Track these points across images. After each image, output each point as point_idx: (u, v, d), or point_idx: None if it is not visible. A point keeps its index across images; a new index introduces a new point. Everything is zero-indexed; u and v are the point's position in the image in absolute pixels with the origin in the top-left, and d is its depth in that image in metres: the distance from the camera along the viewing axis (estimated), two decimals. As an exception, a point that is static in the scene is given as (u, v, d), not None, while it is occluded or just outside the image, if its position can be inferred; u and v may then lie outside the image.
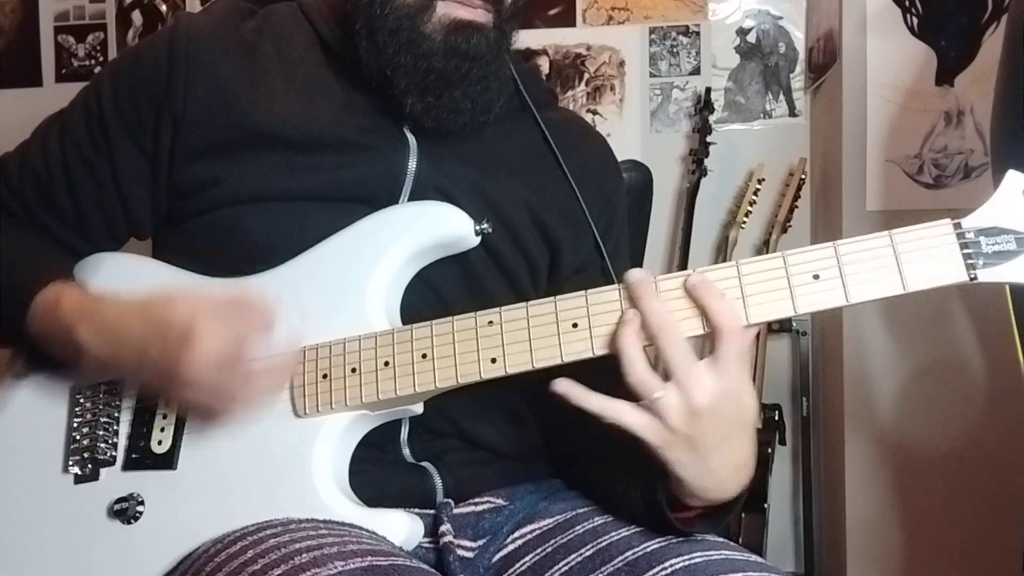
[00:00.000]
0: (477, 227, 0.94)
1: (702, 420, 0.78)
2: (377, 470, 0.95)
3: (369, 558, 0.75)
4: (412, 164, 1.00)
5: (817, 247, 0.79)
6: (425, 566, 0.80)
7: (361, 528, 0.85)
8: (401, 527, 0.87)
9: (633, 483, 0.90)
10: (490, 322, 0.85)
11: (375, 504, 0.89)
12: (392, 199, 0.99)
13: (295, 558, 0.73)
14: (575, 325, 0.82)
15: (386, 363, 0.87)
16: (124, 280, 1.00)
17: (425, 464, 0.98)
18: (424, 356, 0.86)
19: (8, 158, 1.07)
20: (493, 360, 0.84)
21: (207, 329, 0.83)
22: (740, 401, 0.79)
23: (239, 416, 0.88)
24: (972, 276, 0.76)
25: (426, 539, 0.93)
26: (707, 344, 0.79)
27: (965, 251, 0.76)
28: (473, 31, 0.97)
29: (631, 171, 1.43)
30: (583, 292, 0.83)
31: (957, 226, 0.77)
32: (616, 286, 0.82)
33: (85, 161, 1.02)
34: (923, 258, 0.77)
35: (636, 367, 0.78)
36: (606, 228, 1.11)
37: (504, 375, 0.84)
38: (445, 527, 0.93)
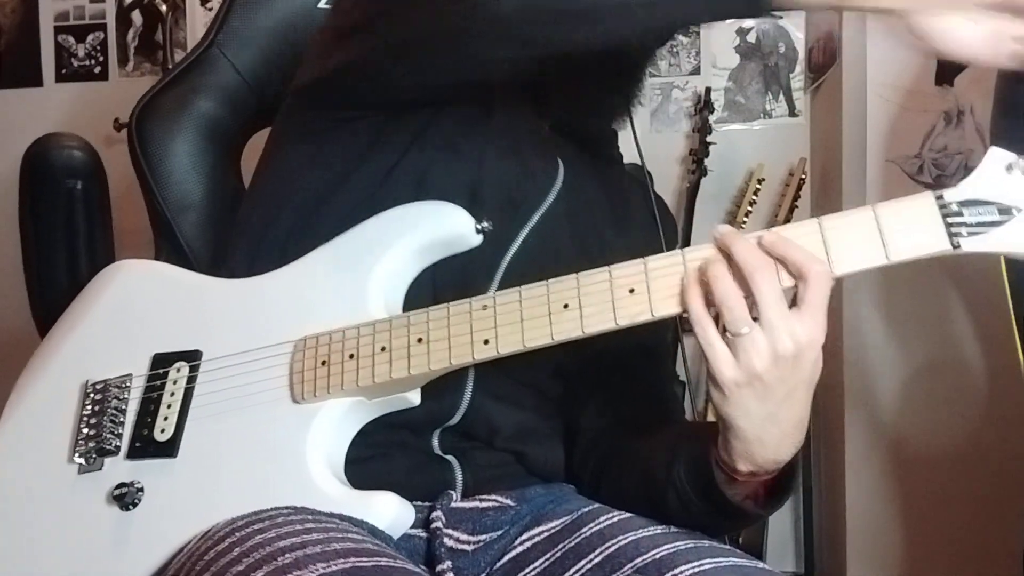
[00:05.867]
0: (478, 225, 0.96)
1: (781, 367, 0.76)
2: (402, 455, 0.96)
3: (352, 559, 0.75)
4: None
5: (800, 223, 0.80)
6: (410, 566, 0.80)
7: (349, 519, 0.85)
8: (388, 510, 0.87)
9: (678, 458, 0.91)
10: (484, 306, 0.86)
11: (391, 489, 0.89)
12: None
13: (278, 559, 0.74)
14: (566, 306, 0.83)
15: (383, 348, 0.89)
16: (139, 288, 1.07)
17: (449, 457, 0.99)
18: (419, 340, 0.87)
19: None
20: (486, 341, 0.85)
21: None
22: (816, 356, 0.78)
23: None
24: (955, 245, 0.77)
25: (420, 530, 0.93)
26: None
27: (948, 220, 0.77)
28: None
29: (630, 171, 1.43)
30: (575, 275, 0.84)
31: (939, 197, 0.78)
32: (607, 267, 0.83)
33: None
34: (906, 229, 0.77)
35: (732, 298, 0.77)
36: None
37: (496, 356, 0.85)
38: (435, 514, 0.94)
